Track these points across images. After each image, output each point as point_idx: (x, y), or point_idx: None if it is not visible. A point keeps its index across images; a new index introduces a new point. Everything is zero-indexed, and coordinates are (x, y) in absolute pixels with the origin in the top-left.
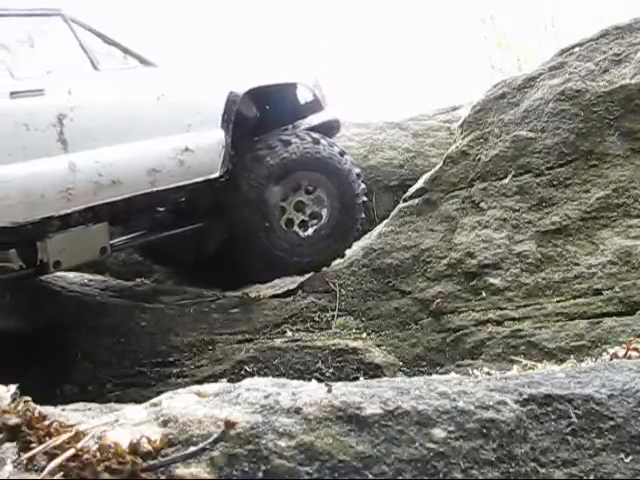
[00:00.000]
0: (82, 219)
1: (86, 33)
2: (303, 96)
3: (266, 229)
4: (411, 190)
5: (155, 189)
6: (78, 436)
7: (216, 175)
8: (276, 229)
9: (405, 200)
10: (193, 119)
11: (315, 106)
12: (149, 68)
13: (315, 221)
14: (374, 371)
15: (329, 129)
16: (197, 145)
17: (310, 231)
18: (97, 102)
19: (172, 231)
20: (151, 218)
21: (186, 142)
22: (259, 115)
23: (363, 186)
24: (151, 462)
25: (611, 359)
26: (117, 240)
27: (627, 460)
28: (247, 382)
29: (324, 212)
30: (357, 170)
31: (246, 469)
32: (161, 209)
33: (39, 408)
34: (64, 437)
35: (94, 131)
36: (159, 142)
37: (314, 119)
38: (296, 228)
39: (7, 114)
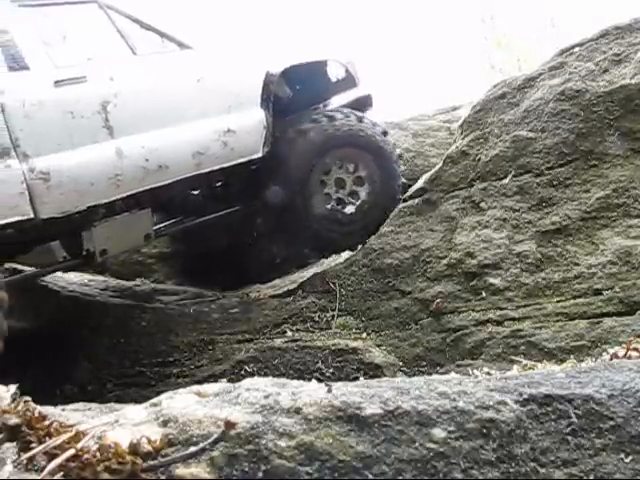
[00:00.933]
0: (126, 206)
1: (122, 19)
2: (335, 74)
3: (308, 205)
4: (411, 190)
5: (200, 172)
6: (78, 436)
7: (258, 155)
8: (317, 205)
9: (405, 200)
10: (233, 100)
11: (348, 83)
12: (187, 51)
13: (354, 199)
14: (374, 371)
15: (362, 105)
16: (239, 126)
17: (349, 209)
18: (139, 87)
19: (213, 214)
20: (190, 203)
21: (228, 123)
22: (291, 95)
23: (402, 168)
24: (151, 462)
25: (611, 359)
26: (160, 226)
27: (627, 460)
28: (247, 382)
29: (364, 191)
30: (397, 151)
31: (246, 469)
32: (195, 192)
33: (39, 408)
34: (64, 437)
35: (138, 116)
36: (201, 124)
37: (347, 96)
38: (335, 204)
39: (53, 103)
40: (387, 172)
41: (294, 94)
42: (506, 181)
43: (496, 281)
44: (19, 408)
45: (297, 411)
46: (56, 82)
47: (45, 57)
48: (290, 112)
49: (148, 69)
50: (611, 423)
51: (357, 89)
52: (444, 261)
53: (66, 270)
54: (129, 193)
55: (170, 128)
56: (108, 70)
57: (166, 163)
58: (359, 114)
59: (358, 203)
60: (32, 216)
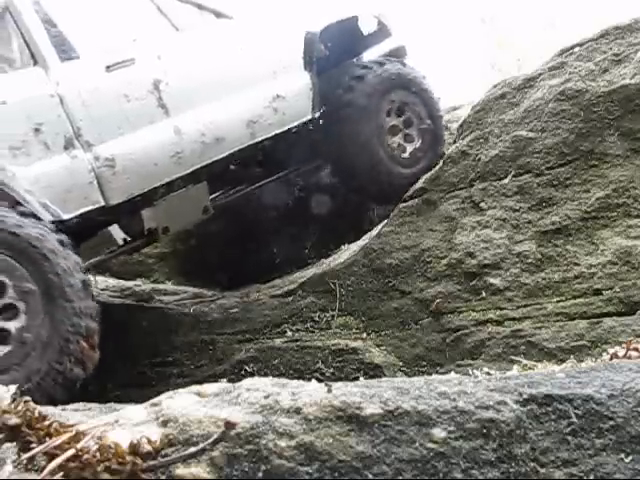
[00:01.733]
0: (183, 182)
1: None
2: (367, 27)
3: (375, 151)
4: (411, 190)
5: (255, 140)
6: (78, 436)
7: (309, 118)
8: (383, 149)
9: (405, 200)
10: (277, 65)
11: (382, 34)
12: (225, 21)
13: (410, 141)
14: (374, 371)
15: (397, 56)
16: (286, 91)
17: (407, 151)
18: (186, 63)
19: (268, 180)
20: (243, 171)
21: (276, 89)
22: (327, 54)
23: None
24: (151, 462)
25: (611, 359)
26: (215, 196)
27: (627, 460)
28: (247, 382)
29: (416, 133)
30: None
31: (246, 469)
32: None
33: (39, 408)
34: (64, 437)
35: (190, 92)
36: (250, 93)
37: (382, 48)
38: (396, 147)
39: (107, 88)
40: (432, 111)
41: (329, 52)
42: (506, 181)
43: (496, 281)
44: (19, 408)
45: (297, 411)
46: (107, 67)
47: (93, 43)
48: (326, 70)
49: (192, 43)
50: (611, 423)
51: (391, 39)
52: (444, 261)
53: (130, 252)
54: (192, 169)
55: (221, 100)
56: (154, 49)
57: (222, 136)
58: (401, 60)
59: (416, 145)
60: (103, 204)
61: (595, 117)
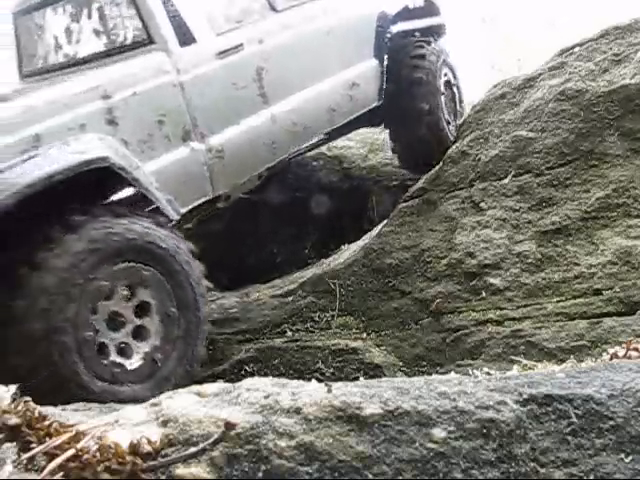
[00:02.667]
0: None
1: None
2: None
3: (440, 118)
4: (411, 190)
5: (332, 128)
6: (78, 436)
7: (376, 104)
8: (444, 117)
9: (405, 200)
10: (354, 52)
11: (428, 11)
12: (315, 3)
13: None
14: (374, 371)
15: (435, 32)
16: (361, 78)
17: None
18: (283, 48)
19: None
20: None
21: (352, 77)
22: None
23: None
24: (151, 462)
25: (611, 359)
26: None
27: (627, 460)
28: (247, 382)
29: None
30: None
31: (246, 469)
32: None
33: (39, 408)
34: (64, 437)
35: (285, 79)
36: (332, 80)
37: (421, 22)
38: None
39: (219, 76)
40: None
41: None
42: (506, 181)
43: (496, 281)
44: (19, 408)
45: (297, 411)
46: (219, 53)
47: (206, 26)
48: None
49: (287, 26)
50: (611, 423)
51: (435, 17)
52: (444, 261)
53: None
54: (280, 158)
55: (309, 87)
56: (257, 33)
57: (308, 123)
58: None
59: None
60: (211, 196)
61: (595, 117)
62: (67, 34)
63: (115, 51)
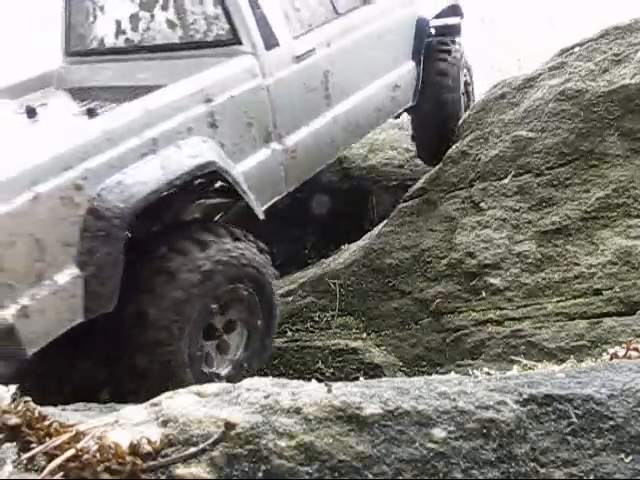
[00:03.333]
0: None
1: None
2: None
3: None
4: (411, 190)
5: (376, 127)
6: (78, 436)
7: (410, 104)
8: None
9: (405, 200)
10: (397, 54)
11: (454, 11)
12: (369, 6)
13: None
14: (374, 371)
15: (456, 32)
16: (401, 80)
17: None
18: (345, 51)
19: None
20: None
21: (395, 78)
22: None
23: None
24: (151, 463)
25: (611, 359)
26: None
27: (627, 460)
28: (247, 382)
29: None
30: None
31: (246, 469)
32: None
33: (39, 408)
34: (64, 437)
35: (344, 81)
36: (380, 82)
37: (448, 22)
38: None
39: (295, 79)
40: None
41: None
42: (506, 181)
43: (496, 281)
44: (19, 408)
45: (297, 411)
46: (296, 57)
47: (286, 30)
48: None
49: (348, 30)
50: (611, 423)
51: (457, 17)
52: (444, 261)
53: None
54: (337, 155)
55: (363, 88)
56: (324, 36)
57: (360, 123)
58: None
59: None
60: (284, 194)
61: (595, 117)
62: (132, 19)
63: (190, 45)
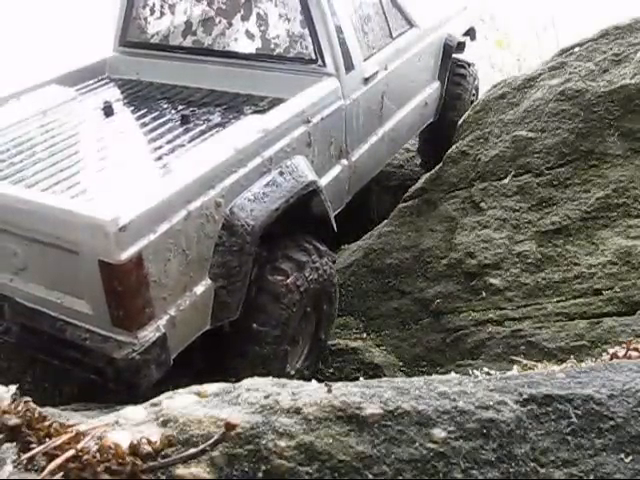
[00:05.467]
0: None
1: (386, 0)
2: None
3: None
4: (411, 190)
5: (405, 142)
6: (78, 437)
7: (431, 121)
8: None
9: (405, 200)
10: (428, 74)
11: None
12: (413, 30)
13: None
14: (374, 371)
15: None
16: (429, 98)
17: None
18: (397, 73)
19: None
20: None
21: (425, 97)
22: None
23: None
24: (151, 463)
25: (611, 359)
26: None
27: (627, 460)
28: (247, 382)
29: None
30: None
31: (246, 469)
32: None
33: (39, 408)
34: (64, 438)
35: (393, 102)
36: (415, 101)
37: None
38: None
39: (363, 101)
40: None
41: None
42: (506, 181)
43: (496, 281)
44: (19, 408)
45: (297, 411)
46: (365, 79)
47: (359, 53)
48: None
49: (399, 52)
50: (611, 423)
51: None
52: (444, 261)
53: None
54: (379, 170)
55: (403, 107)
56: (383, 59)
57: (397, 139)
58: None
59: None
60: (344, 205)
61: (595, 117)
62: (205, 23)
63: (268, 58)
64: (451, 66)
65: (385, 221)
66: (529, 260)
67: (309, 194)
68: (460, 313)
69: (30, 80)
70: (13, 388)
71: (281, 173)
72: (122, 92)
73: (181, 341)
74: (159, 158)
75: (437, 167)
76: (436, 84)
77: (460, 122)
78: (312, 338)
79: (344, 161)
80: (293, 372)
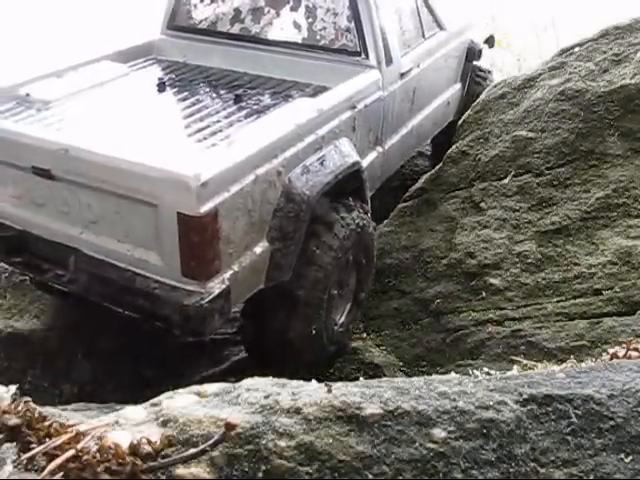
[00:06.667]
0: None
1: (421, 1)
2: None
3: None
4: (411, 190)
5: (430, 137)
6: (78, 437)
7: (451, 120)
8: None
9: (405, 200)
10: (452, 75)
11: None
12: (442, 32)
13: None
14: (374, 371)
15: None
16: (452, 98)
17: None
18: (427, 71)
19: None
20: None
21: (448, 96)
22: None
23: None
24: (151, 463)
25: (611, 359)
26: None
27: (627, 460)
28: (247, 382)
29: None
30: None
31: (246, 469)
32: None
33: (39, 408)
34: (64, 438)
35: (423, 98)
36: (439, 99)
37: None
38: None
39: (398, 94)
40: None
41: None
42: (506, 181)
43: (496, 281)
44: (19, 408)
45: (297, 411)
46: (401, 74)
47: (397, 49)
48: None
49: (430, 52)
50: (611, 423)
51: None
52: (444, 261)
53: None
54: (406, 159)
55: (430, 104)
56: (416, 57)
57: (423, 133)
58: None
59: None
60: (374, 191)
61: (595, 117)
62: (255, 12)
63: (313, 47)
64: (472, 70)
65: (385, 221)
66: (529, 260)
67: (354, 172)
68: (460, 313)
69: (83, 56)
70: (13, 388)
71: (332, 151)
72: (170, 72)
73: (240, 296)
74: (220, 130)
75: (437, 167)
76: (458, 85)
77: (460, 122)
78: (354, 293)
79: (379, 148)
80: (338, 326)
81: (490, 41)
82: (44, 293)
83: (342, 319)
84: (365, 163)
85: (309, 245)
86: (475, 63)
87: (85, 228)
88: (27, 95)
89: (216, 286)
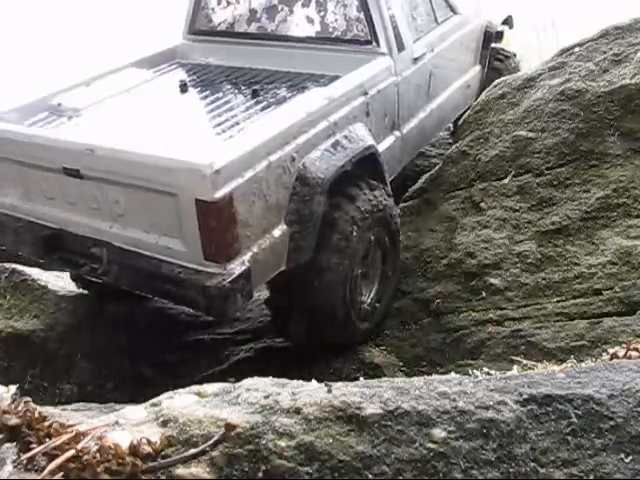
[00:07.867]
0: None
1: None
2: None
3: None
4: (411, 190)
5: (451, 121)
6: (78, 437)
7: (471, 103)
8: None
9: (405, 200)
10: (471, 58)
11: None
12: (456, 16)
13: None
14: (374, 371)
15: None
16: (471, 81)
17: None
18: (442, 55)
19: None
20: None
21: (468, 79)
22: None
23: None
24: (151, 464)
25: (611, 359)
26: None
27: (627, 460)
28: (247, 382)
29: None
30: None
31: (246, 469)
32: None
33: (39, 408)
34: (64, 438)
35: (439, 82)
36: (459, 82)
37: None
38: None
39: (413, 79)
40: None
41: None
42: (506, 181)
43: (496, 281)
44: (19, 408)
45: (297, 411)
46: (414, 60)
47: (409, 35)
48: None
49: (444, 37)
50: (611, 423)
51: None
52: (444, 261)
53: None
54: (425, 145)
55: (449, 88)
56: (430, 41)
57: (443, 117)
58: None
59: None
60: (396, 174)
61: (595, 117)
62: (269, 10)
63: (327, 40)
64: (491, 52)
65: None
66: (529, 260)
67: (369, 155)
68: (460, 313)
69: (110, 64)
70: (13, 388)
71: (345, 136)
72: (193, 74)
73: (262, 277)
74: (237, 123)
75: (437, 167)
76: (477, 68)
77: (460, 122)
78: (381, 274)
79: (397, 132)
80: (366, 305)
81: (509, 21)
82: (82, 288)
83: (370, 298)
84: (382, 147)
85: (331, 216)
86: (495, 45)
87: (114, 222)
88: (59, 105)
89: (237, 267)
